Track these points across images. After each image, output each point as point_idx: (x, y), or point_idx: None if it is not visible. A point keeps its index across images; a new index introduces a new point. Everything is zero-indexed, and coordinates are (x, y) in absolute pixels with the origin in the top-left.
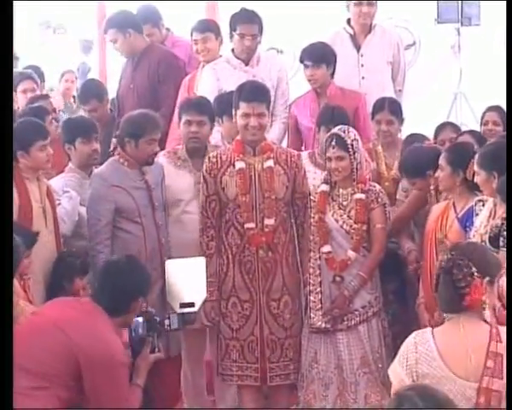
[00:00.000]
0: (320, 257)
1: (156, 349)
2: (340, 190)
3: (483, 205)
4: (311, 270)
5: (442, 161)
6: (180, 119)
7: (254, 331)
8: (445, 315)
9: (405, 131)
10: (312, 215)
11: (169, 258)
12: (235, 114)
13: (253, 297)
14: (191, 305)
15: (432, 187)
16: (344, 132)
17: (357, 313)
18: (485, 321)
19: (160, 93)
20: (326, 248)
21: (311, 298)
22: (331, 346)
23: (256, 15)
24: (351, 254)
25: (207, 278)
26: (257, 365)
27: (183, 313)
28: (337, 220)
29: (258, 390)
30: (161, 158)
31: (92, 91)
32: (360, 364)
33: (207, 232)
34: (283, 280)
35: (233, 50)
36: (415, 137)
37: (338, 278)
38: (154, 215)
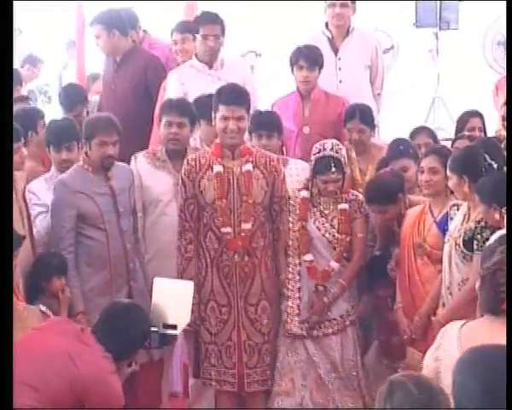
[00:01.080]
0: (300, 263)
1: (133, 363)
2: (322, 198)
3: (457, 209)
4: (290, 275)
5: (434, 162)
6: (160, 120)
7: (232, 336)
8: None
9: (383, 135)
10: (291, 220)
11: (143, 260)
12: (215, 117)
13: (230, 302)
14: (173, 327)
15: (402, 211)
16: (338, 153)
17: (334, 322)
18: None
19: (147, 98)
20: (308, 257)
21: (289, 303)
22: (301, 348)
23: (218, 17)
24: (334, 265)
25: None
26: (234, 370)
27: (164, 334)
28: (319, 229)
29: (235, 396)
30: (140, 158)
31: (76, 97)
32: (331, 369)
33: (186, 235)
34: (262, 285)
35: (196, 55)
36: (400, 142)
37: (321, 288)
38: (118, 221)
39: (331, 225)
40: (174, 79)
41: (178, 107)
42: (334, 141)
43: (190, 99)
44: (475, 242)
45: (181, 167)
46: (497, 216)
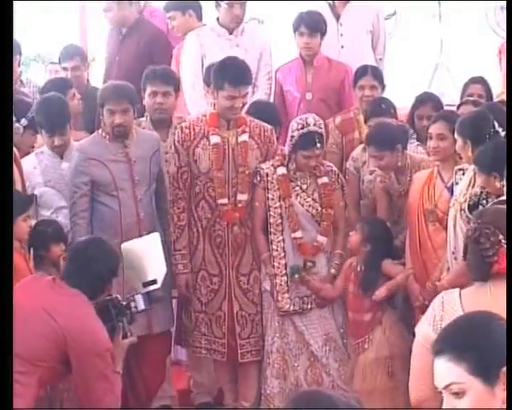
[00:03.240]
0: (284, 240)
1: (128, 334)
2: (298, 173)
3: (463, 174)
4: (275, 253)
5: (443, 129)
6: (145, 90)
7: (222, 306)
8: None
9: None
10: (271, 197)
11: (167, 229)
12: (215, 92)
13: (222, 272)
14: (154, 282)
15: (399, 163)
16: (321, 128)
17: None
18: None
19: None
20: (298, 234)
21: (277, 281)
22: (294, 324)
23: None
24: (322, 239)
25: (179, 250)
26: (224, 340)
27: (147, 293)
28: (302, 204)
29: (231, 362)
30: None
31: (75, 50)
32: (325, 340)
33: (178, 204)
34: (253, 255)
35: (218, 19)
36: (382, 100)
37: (310, 264)
38: (133, 189)
39: (313, 199)
40: (193, 40)
41: (163, 76)
42: (315, 116)
43: (207, 62)
44: (480, 207)
45: (166, 137)
46: (497, 185)
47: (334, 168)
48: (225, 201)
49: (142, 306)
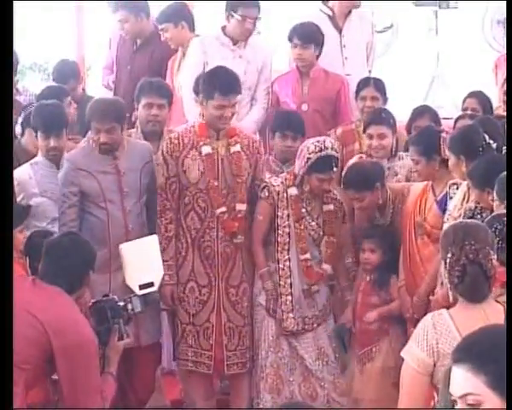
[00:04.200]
0: (289, 259)
1: (124, 335)
2: (305, 194)
3: (457, 188)
4: (281, 272)
5: (414, 155)
6: (138, 101)
7: (210, 318)
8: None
9: None
10: (280, 215)
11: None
12: (204, 101)
13: (211, 283)
14: (150, 285)
15: (380, 201)
16: (337, 152)
17: (321, 312)
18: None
19: None
20: (307, 256)
21: (283, 300)
22: (287, 339)
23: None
24: (326, 267)
25: (166, 261)
26: (211, 352)
27: (144, 295)
28: (306, 227)
29: (208, 377)
30: None
31: (70, 72)
32: (318, 354)
33: (166, 215)
34: (242, 267)
35: (223, 28)
36: (382, 110)
37: (315, 288)
38: (122, 201)
39: (317, 224)
40: (197, 46)
41: (158, 88)
42: (331, 139)
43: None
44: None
45: (157, 149)
46: (491, 200)
47: (339, 197)
48: (224, 209)
49: (138, 308)
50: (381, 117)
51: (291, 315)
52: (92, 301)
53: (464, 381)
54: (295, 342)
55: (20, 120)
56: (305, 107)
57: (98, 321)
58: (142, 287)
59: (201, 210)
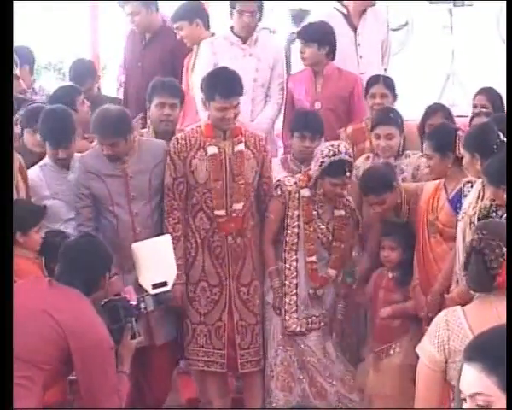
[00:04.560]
0: (297, 260)
1: (137, 334)
2: (316, 197)
3: (471, 186)
4: (288, 272)
5: (428, 150)
6: (150, 101)
7: (222, 317)
8: (474, 294)
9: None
10: (290, 215)
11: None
12: (207, 103)
13: (222, 282)
14: (164, 284)
15: (398, 200)
16: (351, 157)
17: (326, 312)
18: None
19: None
20: (314, 258)
21: (287, 300)
22: (297, 339)
23: None
24: (331, 272)
25: (175, 261)
26: (223, 351)
27: (157, 294)
28: (315, 230)
29: (223, 376)
30: None
31: (86, 71)
32: (324, 352)
33: (174, 215)
34: (253, 265)
35: (232, 28)
36: (391, 110)
37: (320, 292)
38: (129, 204)
39: (327, 228)
40: (207, 48)
41: (171, 88)
42: (346, 144)
43: None
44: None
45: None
46: (476, 165)
47: (352, 204)
48: (222, 212)
49: (151, 307)
50: (388, 117)
51: (294, 315)
52: (104, 300)
53: (476, 380)
54: (299, 340)
55: (18, 119)
56: (318, 105)
57: (111, 320)
58: (155, 286)
59: (210, 210)
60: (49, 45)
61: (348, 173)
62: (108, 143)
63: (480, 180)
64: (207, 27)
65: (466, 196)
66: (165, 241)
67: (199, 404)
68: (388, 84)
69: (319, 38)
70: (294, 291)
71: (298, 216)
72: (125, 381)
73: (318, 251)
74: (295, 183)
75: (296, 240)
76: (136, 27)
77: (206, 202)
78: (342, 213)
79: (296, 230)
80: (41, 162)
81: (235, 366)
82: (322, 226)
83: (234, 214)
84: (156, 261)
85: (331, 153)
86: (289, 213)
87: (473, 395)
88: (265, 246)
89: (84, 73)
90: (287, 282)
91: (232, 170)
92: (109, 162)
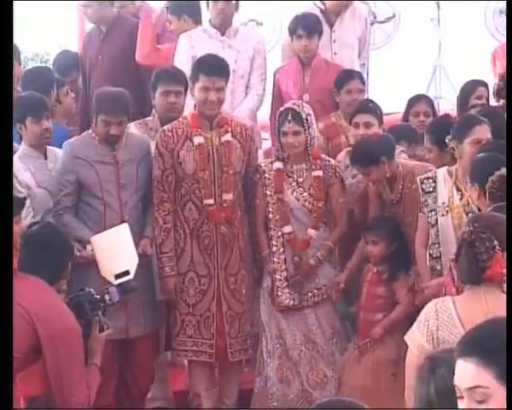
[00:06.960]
0: (283, 235)
1: (105, 326)
2: (294, 166)
3: (433, 182)
4: (275, 248)
5: (428, 142)
6: (154, 89)
7: (211, 307)
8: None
9: (384, 105)
10: (269, 193)
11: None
12: (193, 88)
13: (211, 272)
14: (126, 273)
15: (387, 174)
16: (298, 107)
17: (324, 288)
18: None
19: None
20: (287, 229)
21: (277, 277)
22: (297, 323)
23: None
24: (311, 232)
25: (166, 252)
26: (212, 341)
27: (121, 284)
28: (298, 199)
29: (210, 367)
30: (132, 129)
31: (72, 62)
32: (332, 333)
33: (164, 207)
34: (240, 254)
35: (210, 21)
36: (370, 101)
37: (296, 258)
38: (118, 192)
39: (309, 194)
40: (184, 42)
41: (175, 76)
42: (300, 101)
43: None
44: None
45: None
46: (474, 195)
47: (333, 162)
48: (211, 201)
49: (117, 298)
50: (367, 106)
51: (286, 290)
52: (69, 296)
53: (474, 374)
54: (310, 323)
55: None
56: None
57: (77, 315)
58: (117, 276)
59: (199, 201)
60: (36, 37)
61: (290, 118)
62: (118, 121)
63: (440, 170)
64: (199, 23)
65: (428, 192)
66: (122, 230)
67: (188, 396)
68: (362, 79)
69: (319, 29)
70: (284, 267)
71: (274, 191)
72: (96, 373)
73: (302, 221)
74: (270, 162)
75: (278, 216)
76: (88, 20)
77: (195, 193)
78: (319, 173)
79: (276, 205)
80: (18, 153)
81: (224, 355)
82: (305, 194)
83: (225, 204)
84: (116, 251)
85: (283, 108)
86: (267, 192)
87: (471, 389)
88: (257, 231)
89: (70, 64)
90: (275, 258)
91: (220, 160)
92: (100, 148)
